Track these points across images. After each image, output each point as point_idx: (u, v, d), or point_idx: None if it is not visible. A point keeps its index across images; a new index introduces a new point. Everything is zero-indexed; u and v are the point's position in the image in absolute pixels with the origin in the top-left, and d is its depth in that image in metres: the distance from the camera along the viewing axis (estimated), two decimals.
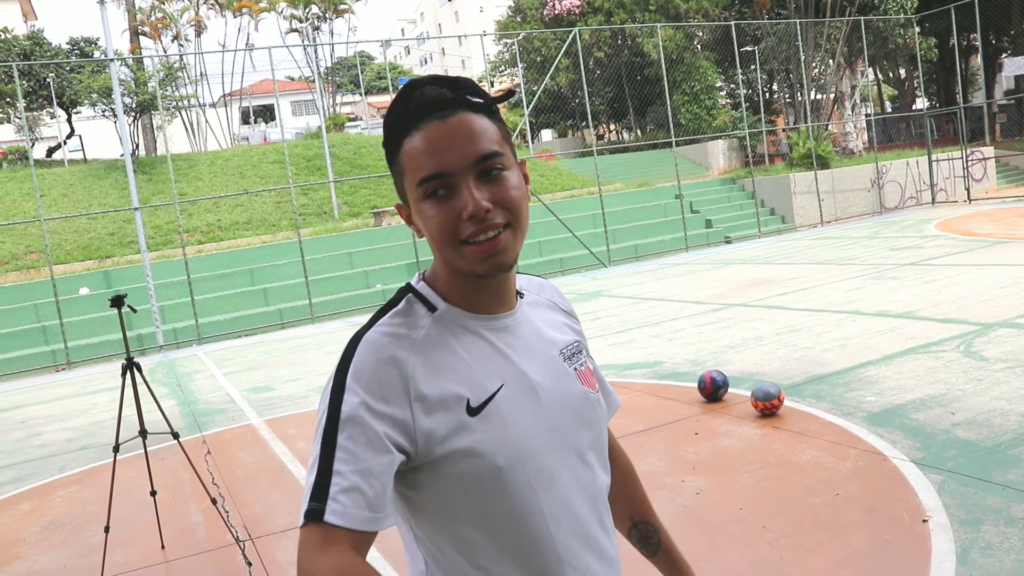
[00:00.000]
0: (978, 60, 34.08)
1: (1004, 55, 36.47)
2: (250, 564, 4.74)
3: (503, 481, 1.24)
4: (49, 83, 33.04)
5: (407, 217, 1.31)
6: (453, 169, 1.20)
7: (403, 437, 1.20)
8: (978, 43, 30.71)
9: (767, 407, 6.17)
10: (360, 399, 1.19)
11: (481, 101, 1.25)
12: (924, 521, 4.10)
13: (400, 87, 1.26)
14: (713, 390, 6.77)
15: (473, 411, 1.24)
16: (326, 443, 1.19)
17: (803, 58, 26.42)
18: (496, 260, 1.23)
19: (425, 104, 1.22)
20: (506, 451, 1.24)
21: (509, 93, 1.34)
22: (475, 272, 1.25)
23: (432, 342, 1.26)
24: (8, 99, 32.80)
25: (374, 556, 4.59)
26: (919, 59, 27.68)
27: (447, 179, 1.21)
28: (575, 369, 1.39)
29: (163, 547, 5.17)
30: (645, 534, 1.62)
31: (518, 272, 1.47)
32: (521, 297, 1.40)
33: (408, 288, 1.35)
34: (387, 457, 1.19)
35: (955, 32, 27.03)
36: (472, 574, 1.27)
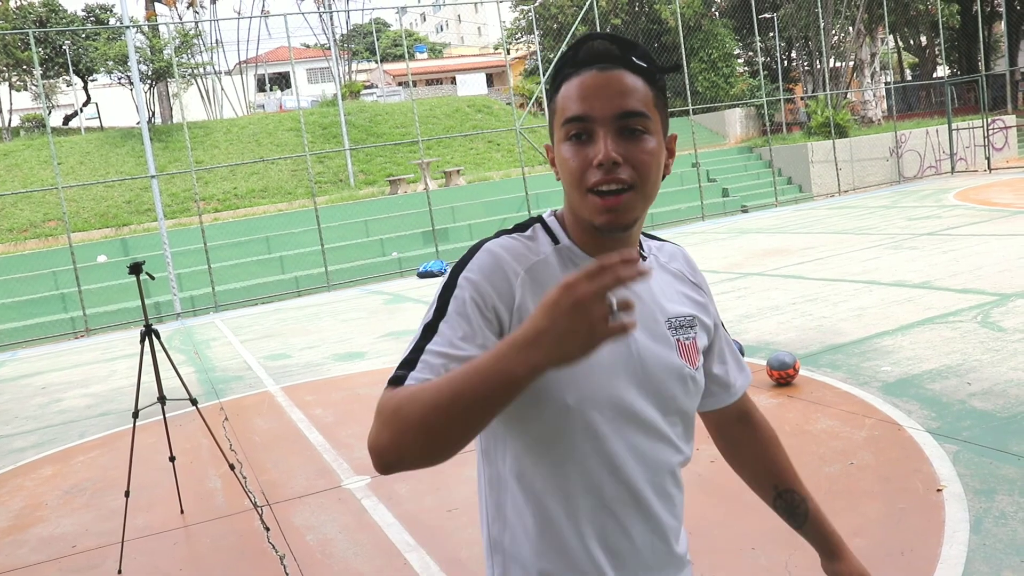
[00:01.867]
0: (1002, 26, 33.51)
1: None
2: (268, 529, 4.80)
3: (570, 419, 1.27)
4: (65, 51, 33.09)
5: (552, 159, 1.36)
6: (596, 116, 1.24)
7: (496, 328, 1.25)
8: (1002, 9, 30.22)
9: (782, 376, 6.17)
10: (470, 294, 1.25)
11: (645, 66, 1.28)
12: (938, 491, 4.10)
13: (581, 36, 1.33)
14: None
15: None
16: (428, 326, 1.26)
17: (823, 25, 26.07)
18: (614, 216, 1.26)
19: (591, 55, 1.28)
20: (580, 392, 1.26)
21: (675, 67, 1.37)
22: (593, 223, 1.28)
23: (547, 268, 1.31)
24: (24, 67, 32.87)
25: (387, 521, 4.64)
26: (941, 26, 27.26)
27: (588, 124, 1.25)
28: (678, 340, 1.39)
29: (182, 511, 5.24)
30: (791, 504, 1.60)
31: (653, 237, 1.52)
32: (644, 260, 1.41)
33: (538, 218, 1.40)
34: (478, 350, 1.22)
35: None
36: (520, 496, 1.32)
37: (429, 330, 1.25)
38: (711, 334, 1.50)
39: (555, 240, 1.35)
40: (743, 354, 6.79)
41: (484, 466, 1.39)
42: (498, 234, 1.37)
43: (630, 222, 1.28)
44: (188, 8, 40.13)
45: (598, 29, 22.08)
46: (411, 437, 1.11)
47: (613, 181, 1.24)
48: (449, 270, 1.31)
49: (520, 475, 1.31)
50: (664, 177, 1.34)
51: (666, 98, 1.33)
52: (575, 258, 1.33)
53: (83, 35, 33.68)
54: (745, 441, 1.62)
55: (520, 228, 1.38)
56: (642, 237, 1.45)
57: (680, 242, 14.73)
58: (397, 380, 1.20)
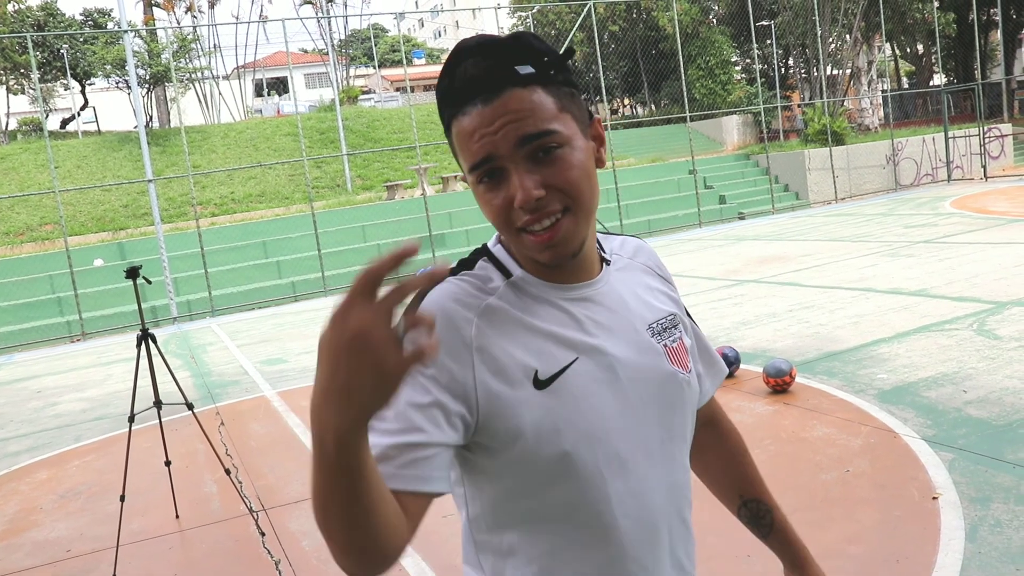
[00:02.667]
0: (998, 35, 33.63)
1: None
2: (263, 534, 4.79)
3: (569, 466, 1.13)
4: (63, 54, 33.07)
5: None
6: (501, 153, 1.09)
7: (460, 400, 1.08)
8: (998, 18, 30.33)
9: (779, 383, 6.17)
10: None
11: (533, 72, 1.10)
12: (934, 498, 4.10)
13: (449, 53, 1.13)
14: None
15: (541, 384, 1.12)
16: None
17: (820, 33, 26.15)
18: (555, 251, 1.12)
19: (468, 84, 1.09)
20: (574, 433, 1.13)
21: (568, 53, 1.17)
22: (536, 260, 1.15)
23: (503, 307, 1.15)
24: (22, 70, 32.86)
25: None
26: (937, 34, 27.34)
27: (495, 163, 1.09)
28: (665, 346, 1.26)
29: (177, 516, 5.23)
30: (756, 513, 1.51)
31: (611, 232, 1.39)
32: (607, 264, 1.27)
33: (484, 250, 1.24)
34: (434, 412, 1.06)
35: (975, 6, 26.69)
36: (526, 569, 1.18)
37: None
38: (689, 332, 1.37)
39: (507, 273, 1.19)
40: (739, 362, 6.80)
41: (471, 531, 1.23)
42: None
43: (576, 249, 1.14)
44: (186, 12, 40.20)
45: (596, 37, 22.07)
46: (331, 546, 0.96)
47: (543, 217, 1.10)
48: None
49: (519, 538, 1.17)
50: (599, 167, 1.20)
51: (574, 85, 1.16)
52: (531, 287, 1.18)
53: (81, 39, 33.68)
54: (712, 447, 1.52)
55: (466, 265, 1.21)
56: (600, 238, 1.32)
57: (677, 249, 14.74)
58: None
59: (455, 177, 22.31)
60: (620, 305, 1.23)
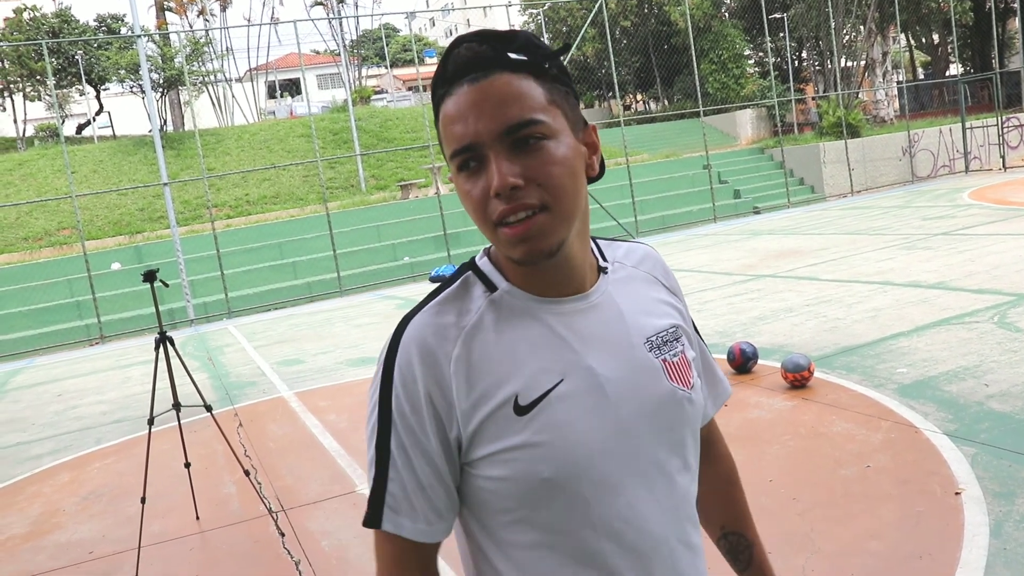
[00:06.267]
0: (1016, 23, 33.33)
1: None
2: (283, 534, 4.80)
3: (549, 492, 1.10)
4: (78, 60, 33.30)
5: None
6: (482, 139, 1.05)
7: (451, 436, 1.11)
8: (1016, 5, 30.04)
9: (797, 379, 6.14)
10: (406, 399, 1.10)
11: (525, 59, 1.07)
12: (957, 494, 4.07)
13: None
14: (743, 361, 6.74)
15: (521, 409, 1.09)
16: (379, 447, 1.12)
17: (833, 24, 25.99)
18: (529, 246, 1.07)
19: (460, 65, 1.07)
20: (555, 460, 1.09)
21: (564, 48, 1.15)
22: (511, 257, 1.10)
23: (483, 329, 1.12)
24: (38, 77, 33.09)
25: None
26: (953, 23, 27.13)
27: (477, 150, 1.06)
28: (663, 360, 1.20)
29: (198, 518, 5.25)
30: (735, 547, 1.45)
31: (618, 239, 1.33)
32: (605, 273, 1.22)
33: (470, 264, 1.21)
34: (440, 462, 1.11)
35: None
36: None
37: (381, 454, 1.12)
38: (694, 345, 1.32)
39: (491, 287, 1.16)
40: (757, 357, 6.77)
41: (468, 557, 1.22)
42: (425, 300, 1.17)
43: (552, 248, 1.08)
44: (198, 16, 40.38)
45: (607, 33, 22.03)
46: None
47: (519, 209, 1.05)
48: (382, 366, 1.14)
49: (505, 564, 1.15)
50: (594, 179, 1.16)
51: (568, 86, 1.13)
52: (516, 301, 1.15)
53: (95, 45, 33.89)
54: (702, 473, 1.41)
55: (449, 283, 1.18)
56: (603, 245, 1.27)
57: (692, 244, 14.58)
58: (372, 520, 1.12)
59: None
60: (616, 318, 1.19)
